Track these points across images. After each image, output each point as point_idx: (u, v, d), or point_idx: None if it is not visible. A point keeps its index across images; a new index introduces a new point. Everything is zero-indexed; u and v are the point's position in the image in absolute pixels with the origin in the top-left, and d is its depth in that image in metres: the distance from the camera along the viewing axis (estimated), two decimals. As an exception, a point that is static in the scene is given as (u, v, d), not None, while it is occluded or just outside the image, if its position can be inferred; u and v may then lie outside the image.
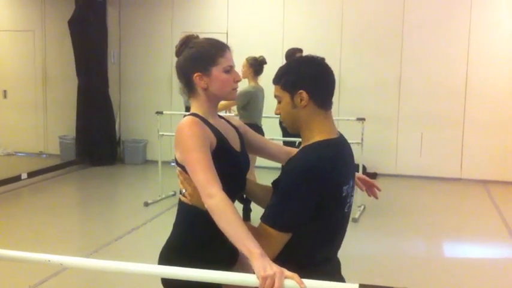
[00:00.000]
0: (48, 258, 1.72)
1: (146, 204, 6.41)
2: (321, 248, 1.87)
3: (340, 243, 1.99)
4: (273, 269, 1.52)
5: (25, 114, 9.45)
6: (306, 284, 1.50)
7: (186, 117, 1.94)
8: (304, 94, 1.82)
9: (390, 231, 5.73)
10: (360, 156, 6.18)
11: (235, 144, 2.04)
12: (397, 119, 8.18)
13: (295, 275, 1.52)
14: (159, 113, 6.86)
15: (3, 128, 9.46)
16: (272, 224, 1.75)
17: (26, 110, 9.45)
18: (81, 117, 8.84)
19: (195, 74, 1.96)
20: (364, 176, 2.25)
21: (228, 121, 2.13)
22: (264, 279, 1.51)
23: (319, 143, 1.83)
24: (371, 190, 2.25)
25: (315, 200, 1.74)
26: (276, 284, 1.49)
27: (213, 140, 1.91)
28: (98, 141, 8.80)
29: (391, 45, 8.08)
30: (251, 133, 2.21)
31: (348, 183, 1.85)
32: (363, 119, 6.35)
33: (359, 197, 5.87)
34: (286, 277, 1.51)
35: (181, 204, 1.99)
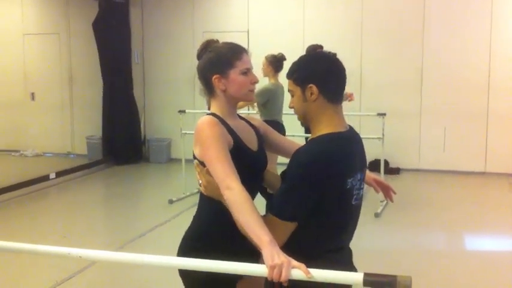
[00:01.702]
0: (68, 251, 1.81)
1: (170, 201, 6.51)
2: (329, 238, 1.91)
3: (351, 235, 2.03)
4: (281, 258, 1.57)
5: (52, 116, 9.68)
6: (313, 273, 1.55)
7: (205, 116, 2.01)
8: (314, 88, 1.89)
9: (413, 226, 5.71)
10: (381, 152, 6.19)
11: (252, 143, 2.10)
12: (420, 114, 8.13)
13: (302, 265, 1.57)
14: (182, 111, 6.95)
15: (32, 130, 9.71)
16: (277, 213, 1.81)
17: (53, 111, 9.67)
18: (107, 117, 9.01)
19: (214, 77, 2.05)
20: (380, 179, 2.27)
21: (248, 121, 2.20)
22: (272, 268, 1.56)
23: (325, 136, 1.89)
24: (387, 193, 2.27)
25: (317, 192, 1.80)
26: (283, 274, 1.55)
27: (230, 140, 1.98)
28: (123, 140, 8.96)
29: (412, 39, 8.03)
30: (271, 132, 2.28)
31: (354, 176, 1.89)
32: (383, 114, 6.32)
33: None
34: (293, 267, 1.57)
35: (201, 196, 2.08)
